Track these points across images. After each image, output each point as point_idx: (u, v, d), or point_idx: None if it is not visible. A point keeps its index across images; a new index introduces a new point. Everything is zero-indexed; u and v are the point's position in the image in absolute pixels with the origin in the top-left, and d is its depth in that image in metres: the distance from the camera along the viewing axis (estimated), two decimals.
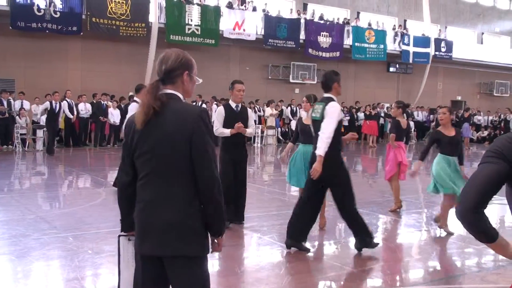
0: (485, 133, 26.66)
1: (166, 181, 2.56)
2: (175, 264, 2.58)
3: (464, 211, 1.94)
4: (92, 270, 5.21)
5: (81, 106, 18.09)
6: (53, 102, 15.71)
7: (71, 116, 17.58)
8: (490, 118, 27.37)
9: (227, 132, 6.70)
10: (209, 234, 2.64)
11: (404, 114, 8.85)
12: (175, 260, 2.57)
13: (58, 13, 18.83)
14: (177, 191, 2.55)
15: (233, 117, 6.79)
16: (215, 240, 2.69)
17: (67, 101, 17.42)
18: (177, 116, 2.55)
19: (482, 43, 33.06)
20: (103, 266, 5.34)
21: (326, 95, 5.88)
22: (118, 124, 18.96)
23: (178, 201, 2.55)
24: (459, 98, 32.52)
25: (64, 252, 5.73)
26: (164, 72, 2.64)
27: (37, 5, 18.49)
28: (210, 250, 2.67)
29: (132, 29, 20.34)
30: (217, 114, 6.88)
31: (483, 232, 1.95)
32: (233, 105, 6.93)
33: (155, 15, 20.56)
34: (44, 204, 8.37)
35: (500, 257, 5.64)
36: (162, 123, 2.55)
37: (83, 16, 19.41)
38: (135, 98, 8.52)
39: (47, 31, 18.83)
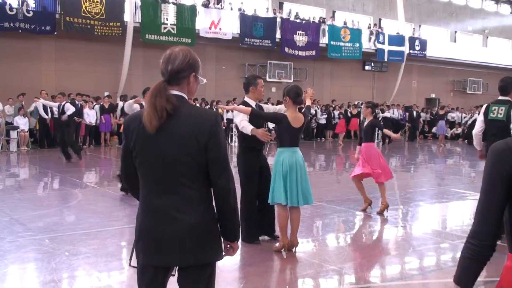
0: (459, 130, 27.04)
1: (180, 187, 2.44)
2: (192, 271, 2.51)
3: None
4: (69, 272, 5.14)
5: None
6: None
7: (46, 117, 17.39)
8: (464, 115, 27.76)
9: (250, 129, 5.73)
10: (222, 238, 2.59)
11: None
12: (194, 267, 2.50)
13: (31, 12, 18.56)
14: (193, 198, 2.45)
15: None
16: (228, 245, 2.62)
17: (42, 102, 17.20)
18: (192, 120, 2.43)
19: (455, 41, 33.57)
20: (80, 268, 5.27)
21: (502, 98, 6.53)
22: (94, 124, 18.80)
23: (194, 207, 2.45)
24: (433, 95, 33.01)
25: (40, 255, 5.66)
26: (170, 72, 2.49)
27: (9, 4, 18.20)
28: (223, 254, 2.61)
29: (107, 28, 20.13)
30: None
31: None
32: (252, 103, 6.20)
33: (130, 14, 20.41)
34: (19, 206, 8.23)
35: None
36: (174, 126, 2.42)
37: (57, 15, 19.15)
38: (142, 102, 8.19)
39: (19, 31, 18.53)
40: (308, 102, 6.33)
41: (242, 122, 5.86)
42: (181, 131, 2.41)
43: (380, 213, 8.10)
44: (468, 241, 1.91)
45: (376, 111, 24.26)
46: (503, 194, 1.84)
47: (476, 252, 1.88)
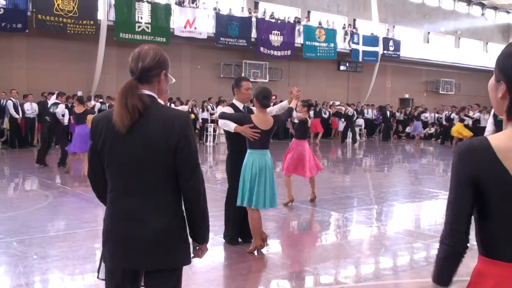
0: (432, 130, 27.38)
1: (149, 189, 2.39)
2: (159, 275, 2.46)
3: None
4: (38, 276, 5.03)
5: (27, 105, 17.48)
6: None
7: (17, 116, 17.05)
8: (437, 115, 28.10)
9: (232, 126, 5.63)
10: (190, 241, 2.55)
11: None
12: (161, 271, 2.46)
13: (1, 9, 18.19)
14: (161, 200, 2.40)
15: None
16: (197, 247, 2.59)
17: (12, 101, 16.89)
18: (162, 121, 2.37)
19: (428, 42, 34.00)
20: (49, 271, 5.17)
21: None
22: (67, 124, 18.48)
23: (163, 210, 2.40)
24: (406, 96, 33.39)
25: (8, 258, 5.53)
26: (141, 70, 2.43)
27: None
28: (192, 256, 2.58)
29: (80, 26, 19.83)
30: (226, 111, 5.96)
31: None
32: (239, 106, 6.12)
33: (104, 12, 20.14)
34: None
35: None
36: (144, 127, 2.36)
37: (29, 13, 18.78)
38: None
39: None
40: (293, 104, 6.33)
41: (221, 120, 5.75)
42: (151, 132, 2.36)
43: (311, 201, 8.86)
44: (442, 241, 1.92)
45: (358, 109, 24.47)
46: (470, 194, 1.86)
47: (450, 252, 1.90)
